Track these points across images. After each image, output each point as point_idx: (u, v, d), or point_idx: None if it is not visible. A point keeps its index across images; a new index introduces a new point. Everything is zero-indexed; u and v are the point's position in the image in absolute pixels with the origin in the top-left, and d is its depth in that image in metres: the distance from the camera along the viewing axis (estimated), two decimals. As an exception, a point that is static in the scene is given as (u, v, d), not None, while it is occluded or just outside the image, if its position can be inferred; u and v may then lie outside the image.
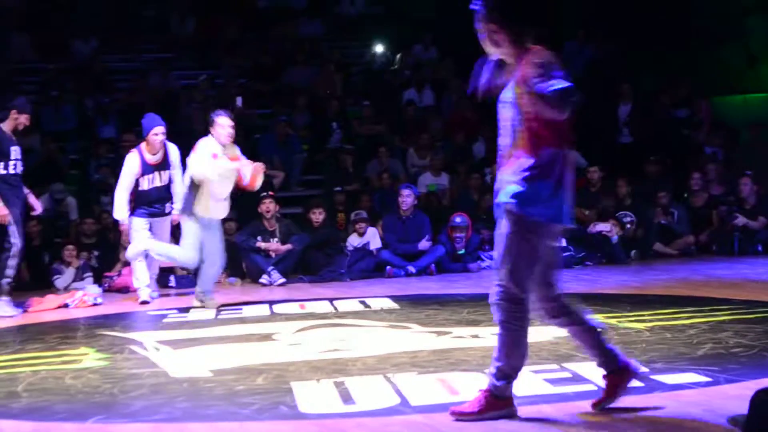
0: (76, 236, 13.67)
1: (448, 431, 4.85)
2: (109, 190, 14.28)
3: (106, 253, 13.12)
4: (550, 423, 4.89)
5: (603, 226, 13.56)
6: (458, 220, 13.34)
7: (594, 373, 5.86)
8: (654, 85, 17.74)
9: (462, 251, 13.29)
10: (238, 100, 17.15)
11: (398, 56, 19.50)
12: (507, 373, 4.99)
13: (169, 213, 11.09)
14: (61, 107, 17.07)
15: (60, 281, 12.56)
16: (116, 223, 11.66)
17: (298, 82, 18.47)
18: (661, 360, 6.25)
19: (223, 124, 10.17)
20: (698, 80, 17.43)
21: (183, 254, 10.40)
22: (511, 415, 4.97)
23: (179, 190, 10.83)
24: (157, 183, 11.01)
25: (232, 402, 5.68)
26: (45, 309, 10.76)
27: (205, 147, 10.08)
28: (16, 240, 10.41)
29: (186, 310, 10.18)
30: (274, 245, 12.90)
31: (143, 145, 11.02)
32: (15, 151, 10.51)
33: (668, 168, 15.53)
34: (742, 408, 4.27)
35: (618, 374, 5.09)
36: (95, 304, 11.06)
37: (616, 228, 13.63)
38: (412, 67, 19.27)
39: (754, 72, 17.91)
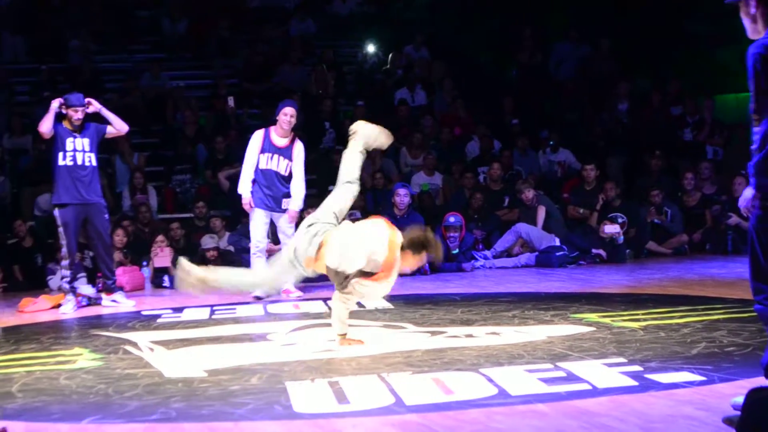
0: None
1: (442, 431, 4.85)
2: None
3: (99, 254, 13.07)
4: (545, 422, 4.89)
5: (612, 228, 13.54)
6: (452, 219, 13.33)
7: (589, 372, 5.89)
8: (648, 86, 17.75)
9: (456, 251, 13.28)
10: (230, 100, 17.12)
11: (390, 56, 19.50)
12: None
13: (285, 210, 11.04)
14: (54, 107, 17.00)
15: (53, 281, 12.52)
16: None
17: (290, 82, 18.44)
18: (655, 359, 6.26)
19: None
20: (692, 80, 17.45)
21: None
22: None
23: (298, 189, 11.02)
24: (275, 167, 10.97)
25: (226, 402, 5.68)
26: (39, 309, 10.75)
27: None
28: (63, 242, 10.78)
29: (180, 309, 10.17)
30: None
31: (273, 126, 11.14)
32: (70, 143, 10.92)
33: (662, 167, 15.54)
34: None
35: None
36: (89, 305, 11.04)
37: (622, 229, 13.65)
38: (404, 66, 19.26)
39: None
